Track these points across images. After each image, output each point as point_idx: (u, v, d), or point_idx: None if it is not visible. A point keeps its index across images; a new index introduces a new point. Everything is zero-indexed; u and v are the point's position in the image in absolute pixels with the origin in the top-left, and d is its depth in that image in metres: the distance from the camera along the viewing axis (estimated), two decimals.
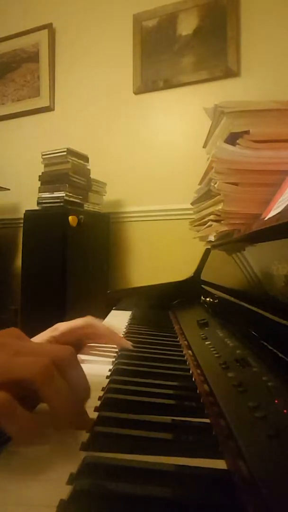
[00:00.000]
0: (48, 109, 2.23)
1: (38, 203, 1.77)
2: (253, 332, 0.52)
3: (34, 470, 0.25)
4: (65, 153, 1.75)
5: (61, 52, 2.22)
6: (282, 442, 0.26)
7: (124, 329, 0.72)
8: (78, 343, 0.57)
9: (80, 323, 0.56)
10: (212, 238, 0.89)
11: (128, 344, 0.58)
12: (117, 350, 0.57)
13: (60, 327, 0.54)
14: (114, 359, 0.52)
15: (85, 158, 1.87)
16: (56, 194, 1.74)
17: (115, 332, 0.60)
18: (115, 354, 0.55)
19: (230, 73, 1.77)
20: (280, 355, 0.41)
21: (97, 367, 0.49)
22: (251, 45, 1.74)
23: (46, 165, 1.80)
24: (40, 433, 0.27)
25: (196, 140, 1.24)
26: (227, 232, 0.80)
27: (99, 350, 0.57)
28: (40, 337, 0.52)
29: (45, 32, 2.21)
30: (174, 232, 1.86)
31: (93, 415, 0.33)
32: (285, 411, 0.30)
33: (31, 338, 0.38)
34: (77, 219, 1.68)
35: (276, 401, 0.32)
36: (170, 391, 0.40)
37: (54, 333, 0.53)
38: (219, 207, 0.78)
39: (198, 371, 0.45)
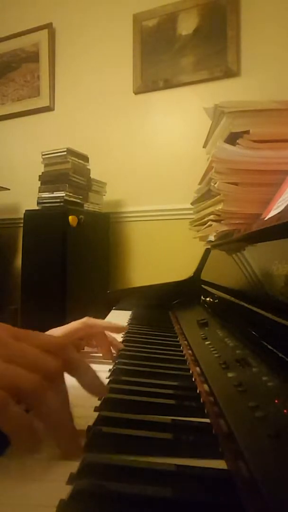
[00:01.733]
0: (48, 109, 2.23)
1: (38, 203, 1.77)
2: (253, 332, 0.52)
3: (34, 470, 0.25)
4: (65, 153, 1.75)
5: (61, 52, 2.22)
6: (282, 442, 0.26)
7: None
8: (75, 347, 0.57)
9: (76, 326, 0.55)
10: (212, 238, 0.89)
11: (125, 329, 0.58)
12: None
13: (55, 332, 0.54)
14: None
15: (85, 158, 1.87)
16: (56, 194, 1.74)
17: (113, 323, 0.61)
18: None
19: (230, 73, 1.77)
20: (280, 355, 0.41)
21: (96, 367, 0.49)
22: (251, 45, 1.74)
23: (46, 165, 1.80)
24: (38, 434, 0.26)
25: (196, 140, 1.25)
26: (227, 232, 0.80)
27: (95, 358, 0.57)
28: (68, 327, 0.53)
29: (45, 32, 2.21)
30: (174, 232, 1.86)
31: (93, 415, 0.33)
32: (285, 411, 0.30)
33: None
34: (77, 219, 1.68)
35: (276, 401, 0.32)
36: (170, 391, 0.40)
37: (83, 325, 0.53)
38: (219, 207, 0.78)
39: (198, 371, 0.45)
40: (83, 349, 0.59)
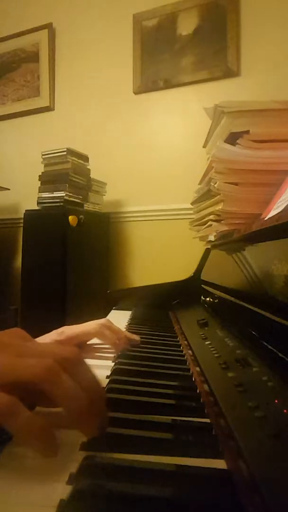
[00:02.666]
0: (48, 109, 2.23)
1: (38, 203, 1.77)
2: (253, 332, 0.52)
3: (34, 470, 0.25)
4: (65, 153, 1.75)
5: (61, 52, 2.22)
6: (282, 442, 0.26)
7: (124, 329, 0.72)
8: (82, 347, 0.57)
9: (90, 331, 0.55)
10: (212, 238, 0.89)
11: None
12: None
13: (67, 331, 0.54)
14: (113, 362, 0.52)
15: (85, 158, 1.87)
16: (56, 194, 1.74)
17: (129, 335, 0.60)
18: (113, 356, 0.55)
19: (230, 73, 1.77)
20: (280, 355, 0.41)
21: (96, 367, 0.49)
22: (251, 45, 1.74)
23: (46, 165, 1.80)
24: (43, 434, 0.26)
25: (196, 140, 1.24)
26: (227, 232, 0.80)
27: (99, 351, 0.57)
28: (44, 339, 0.52)
29: (45, 32, 2.21)
30: (174, 232, 1.86)
31: None
32: (285, 411, 0.30)
33: (34, 338, 0.38)
34: (77, 219, 1.68)
35: (276, 401, 0.32)
36: (170, 391, 0.40)
37: (59, 337, 0.53)
38: (219, 207, 0.78)
39: (198, 371, 0.45)
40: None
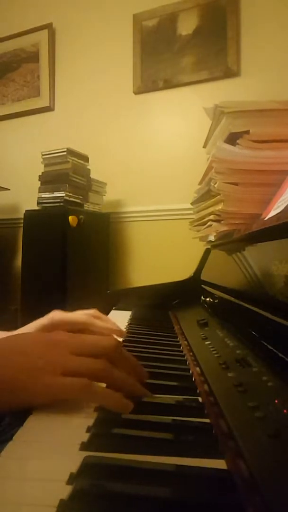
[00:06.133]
0: (48, 109, 2.23)
1: (38, 203, 1.77)
2: (253, 332, 0.52)
3: (34, 470, 0.25)
4: (65, 153, 1.75)
5: (61, 52, 2.22)
6: (282, 442, 0.26)
7: (124, 329, 0.72)
8: None
9: (79, 320, 0.56)
10: (212, 238, 0.89)
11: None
12: None
13: (56, 316, 0.54)
14: None
15: (85, 158, 1.87)
16: (56, 194, 1.74)
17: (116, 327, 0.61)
18: None
19: (230, 73, 1.77)
20: (280, 355, 0.41)
21: None
22: (251, 45, 1.74)
23: (46, 165, 1.80)
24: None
25: (196, 140, 1.25)
26: (227, 232, 0.80)
27: None
28: (33, 325, 0.53)
29: (45, 32, 2.21)
30: (174, 232, 1.86)
31: (93, 415, 0.33)
32: (285, 411, 0.30)
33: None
34: (77, 219, 1.68)
35: (276, 401, 0.32)
36: (170, 391, 0.40)
37: (45, 321, 0.54)
38: (219, 207, 0.78)
39: (198, 371, 0.45)
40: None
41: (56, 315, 0.55)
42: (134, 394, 0.36)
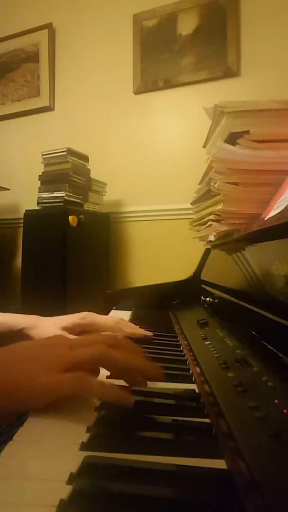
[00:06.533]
0: (48, 109, 2.23)
1: (38, 203, 1.77)
2: (253, 332, 0.52)
3: (34, 470, 0.25)
4: (65, 153, 1.75)
5: (61, 52, 2.22)
6: (282, 442, 0.26)
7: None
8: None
9: (108, 324, 0.57)
10: (212, 238, 0.89)
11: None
12: None
13: (87, 317, 0.57)
14: None
15: (85, 158, 1.87)
16: (56, 194, 1.74)
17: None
18: None
19: (230, 73, 1.77)
20: (280, 355, 0.41)
21: None
22: (251, 45, 1.74)
23: (46, 165, 1.80)
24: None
25: (196, 140, 1.24)
26: (227, 232, 0.80)
27: None
28: (66, 318, 0.56)
29: (45, 32, 2.21)
30: (174, 232, 1.86)
31: (93, 415, 0.33)
32: (285, 411, 0.30)
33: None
34: (77, 219, 1.68)
35: (276, 401, 0.32)
36: (170, 391, 0.40)
37: (81, 321, 0.57)
38: (219, 207, 0.78)
39: (198, 371, 0.45)
40: None
41: (88, 315, 0.56)
42: (143, 374, 0.37)
